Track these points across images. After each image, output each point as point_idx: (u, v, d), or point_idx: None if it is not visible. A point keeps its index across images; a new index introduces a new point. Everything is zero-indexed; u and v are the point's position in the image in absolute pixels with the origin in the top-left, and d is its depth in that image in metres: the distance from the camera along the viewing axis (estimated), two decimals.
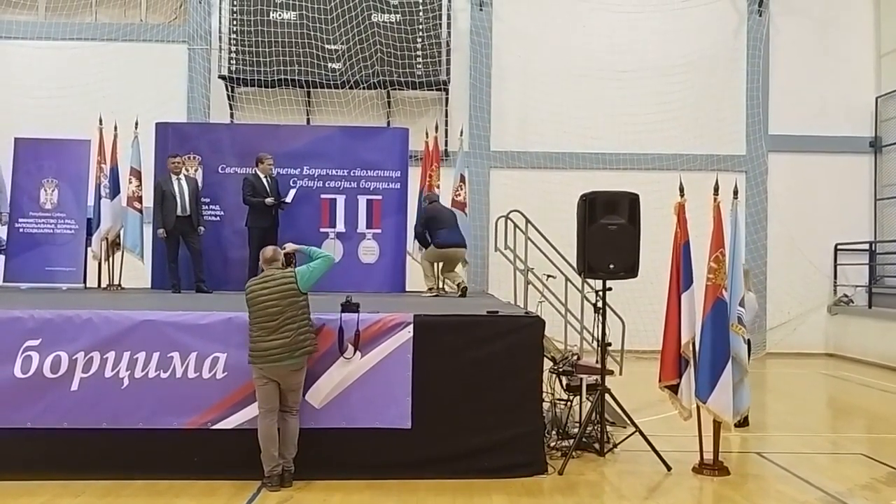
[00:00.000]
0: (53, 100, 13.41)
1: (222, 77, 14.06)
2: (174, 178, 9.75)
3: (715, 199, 6.55)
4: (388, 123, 14.18)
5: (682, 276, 6.57)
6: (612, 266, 6.92)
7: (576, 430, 7.08)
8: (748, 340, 6.64)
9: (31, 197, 10.28)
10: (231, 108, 14.29)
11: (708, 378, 6.33)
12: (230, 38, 14.02)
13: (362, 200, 10.41)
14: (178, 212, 9.63)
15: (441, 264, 9.98)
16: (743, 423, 7.73)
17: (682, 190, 6.63)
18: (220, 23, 14.24)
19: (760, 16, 14.70)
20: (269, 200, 9.64)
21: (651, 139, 14.25)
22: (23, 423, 5.99)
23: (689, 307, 6.51)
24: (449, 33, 14.30)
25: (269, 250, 6.31)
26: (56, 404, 6.01)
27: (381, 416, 6.21)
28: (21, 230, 10.22)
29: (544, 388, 6.93)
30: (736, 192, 6.61)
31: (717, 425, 6.46)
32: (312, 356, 6.07)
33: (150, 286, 10.39)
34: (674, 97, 14.18)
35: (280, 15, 13.97)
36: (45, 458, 6.04)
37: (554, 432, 7.14)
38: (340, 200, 10.33)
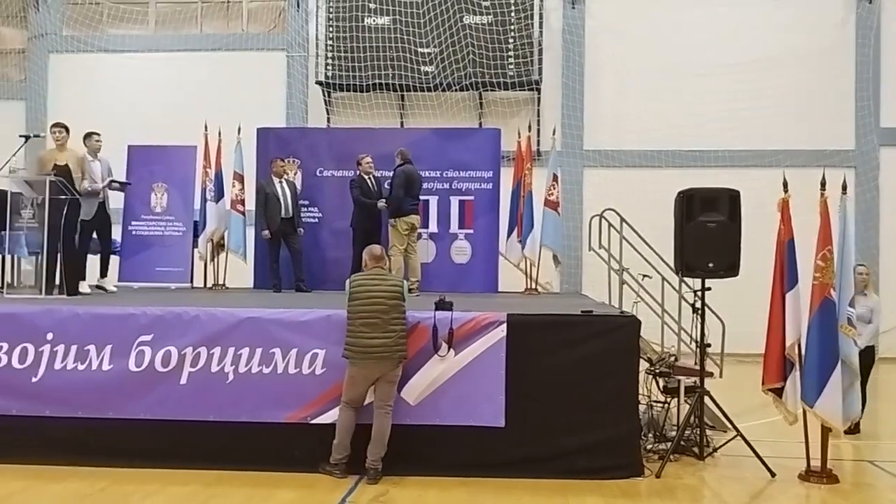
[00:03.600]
0: (162, 108, 14.04)
1: (319, 83, 14.43)
2: (277, 180, 10.07)
3: (822, 195, 6.28)
4: (480, 124, 14.20)
5: (786, 274, 6.33)
6: (711, 265, 6.73)
7: (673, 433, 6.91)
8: (872, 346, 6.31)
9: (143, 201, 10.76)
10: (328, 113, 14.65)
11: (815, 381, 6.07)
12: (326, 45, 14.39)
13: (455, 201, 10.52)
14: (282, 214, 9.95)
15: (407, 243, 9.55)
16: (854, 430, 7.36)
17: (785, 185, 6.40)
18: (316, 30, 14.64)
19: (871, 3, 13.96)
20: (381, 204, 9.69)
21: (751, 135, 13.72)
22: (136, 413, 6.31)
23: (794, 307, 6.26)
24: (541, 32, 14.23)
25: (377, 248, 6.43)
26: (167, 397, 6.31)
27: (474, 413, 6.23)
28: (133, 233, 10.74)
29: (640, 390, 6.81)
30: (844, 188, 6.32)
31: (825, 431, 6.18)
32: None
33: (252, 286, 10.78)
34: (776, 91, 13.60)
35: (374, 20, 14.24)
36: (156, 447, 6.32)
37: (650, 435, 6.99)
38: (433, 201, 10.47)
